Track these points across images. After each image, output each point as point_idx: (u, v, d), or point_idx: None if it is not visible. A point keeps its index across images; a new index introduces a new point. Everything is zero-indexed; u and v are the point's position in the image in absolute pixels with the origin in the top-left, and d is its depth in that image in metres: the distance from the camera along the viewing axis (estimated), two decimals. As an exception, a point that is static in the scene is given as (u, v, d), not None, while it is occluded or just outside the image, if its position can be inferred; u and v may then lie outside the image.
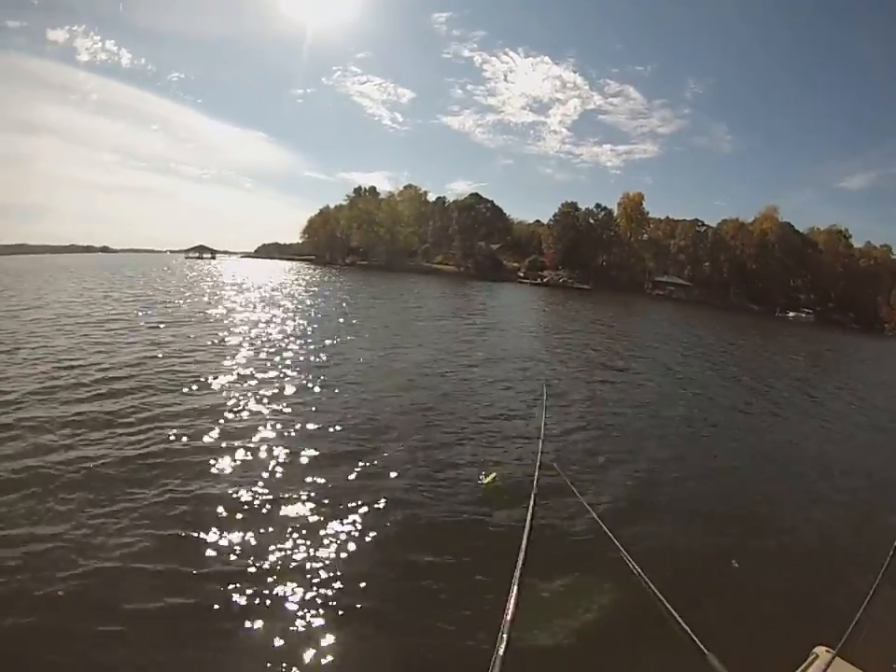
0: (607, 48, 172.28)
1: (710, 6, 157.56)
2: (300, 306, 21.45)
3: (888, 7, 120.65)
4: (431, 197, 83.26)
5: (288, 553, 3.90)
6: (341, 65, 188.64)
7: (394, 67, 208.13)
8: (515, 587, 1.55)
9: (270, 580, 3.59)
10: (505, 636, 1.34)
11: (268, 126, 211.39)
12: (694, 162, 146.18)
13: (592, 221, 71.88)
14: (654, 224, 73.97)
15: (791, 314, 67.27)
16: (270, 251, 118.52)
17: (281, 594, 3.47)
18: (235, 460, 5.34)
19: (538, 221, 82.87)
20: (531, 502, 2.55)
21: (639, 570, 1.93)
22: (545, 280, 67.09)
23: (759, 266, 70.91)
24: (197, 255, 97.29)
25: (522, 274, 70.14)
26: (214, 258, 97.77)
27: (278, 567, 3.73)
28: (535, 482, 2.36)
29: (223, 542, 3.98)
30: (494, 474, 5.16)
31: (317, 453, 5.59)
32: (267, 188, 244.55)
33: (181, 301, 20.16)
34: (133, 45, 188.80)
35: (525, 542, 1.68)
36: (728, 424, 9.00)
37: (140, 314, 15.52)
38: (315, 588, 3.54)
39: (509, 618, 1.40)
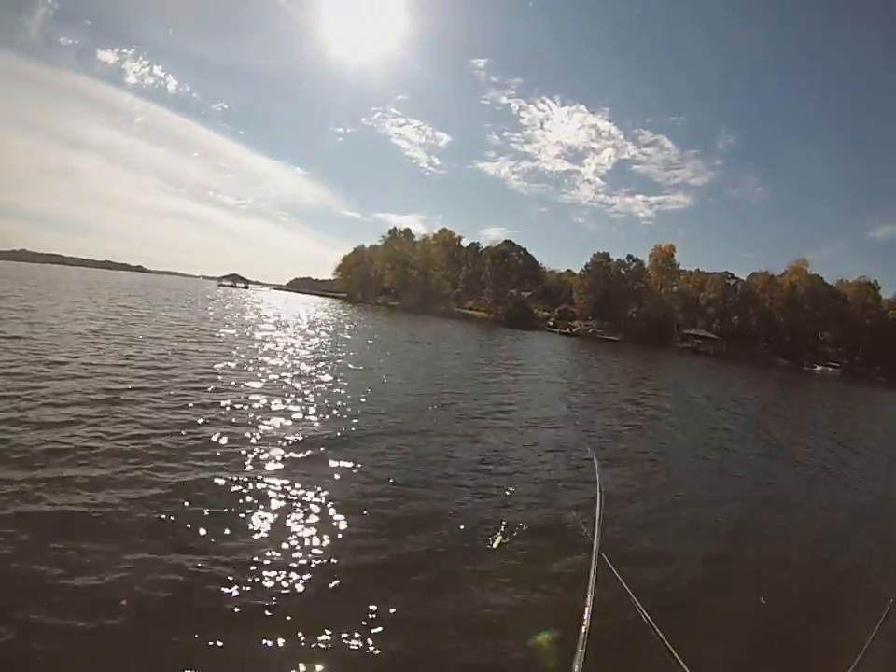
0: (641, 97, 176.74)
1: (743, 56, 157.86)
2: (346, 346, 21.23)
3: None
4: (464, 242, 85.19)
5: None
6: (381, 106, 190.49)
7: (432, 111, 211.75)
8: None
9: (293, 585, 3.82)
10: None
11: (307, 162, 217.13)
12: (725, 214, 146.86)
13: (623, 272, 73.04)
14: (685, 276, 74.96)
15: (819, 367, 67.78)
16: (301, 285, 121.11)
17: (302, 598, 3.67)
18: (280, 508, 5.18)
19: (569, 270, 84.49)
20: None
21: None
22: (574, 330, 68.38)
23: (787, 319, 71.49)
24: (230, 283, 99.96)
25: (551, 324, 71.41)
26: (247, 287, 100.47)
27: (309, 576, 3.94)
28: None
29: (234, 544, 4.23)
30: (500, 537, 5.09)
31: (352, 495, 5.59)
32: (302, 223, 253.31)
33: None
34: (179, 72, 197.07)
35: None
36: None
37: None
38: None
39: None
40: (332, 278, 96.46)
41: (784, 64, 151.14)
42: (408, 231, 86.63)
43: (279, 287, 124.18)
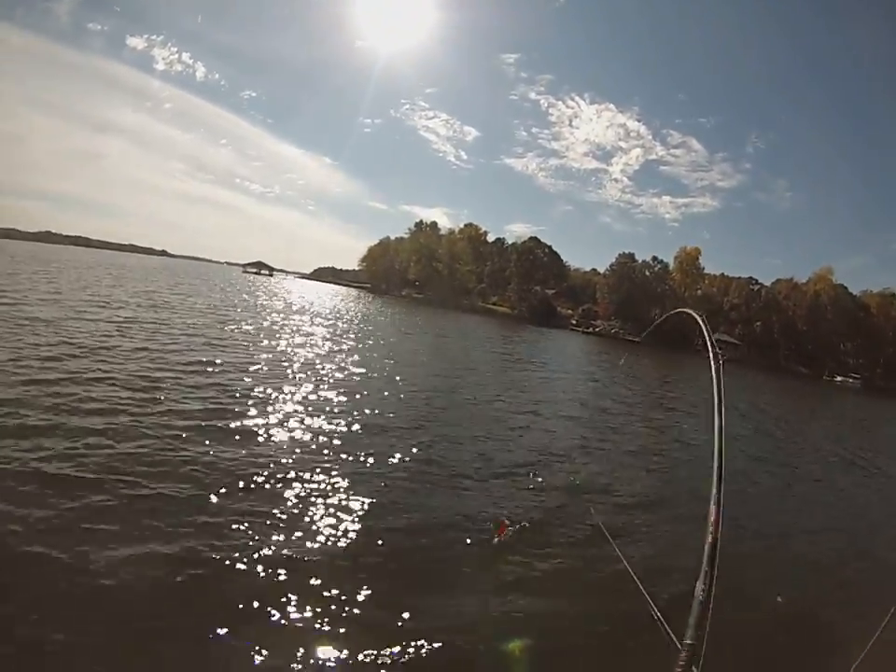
0: (671, 98, 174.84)
1: (777, 60, 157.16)
2: (379, 339, 21.99)
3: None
4: (490, 237, 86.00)
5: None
6: (409, 99, 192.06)
7: (461, 105, 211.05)
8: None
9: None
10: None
11: (334, 152, 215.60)
12: (752, 218, 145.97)
13: (647, 273, 73.36)
14: (709, 280, 75.15)
15: (839, 378, 67.49)
16: (325, 275, 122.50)
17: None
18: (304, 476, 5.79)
19: (594, 270, 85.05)
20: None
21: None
22: (597, 329, 68.98)
23: (809, 328, 71.43)
24: (255, 270, 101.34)
25: (574, 322, 71.94)
26: (272, 275, 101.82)
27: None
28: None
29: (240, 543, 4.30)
30: (502, 525, 5.22)
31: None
32: (328, 212, 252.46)
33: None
34: (208, 59, 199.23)
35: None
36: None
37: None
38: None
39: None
40: (356, 268, 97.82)
41: (817, 70, 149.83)
42: (434, 224, 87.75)
43: (303, 276, 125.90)
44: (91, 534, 4.07)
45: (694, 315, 2.64)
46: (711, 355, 2.02)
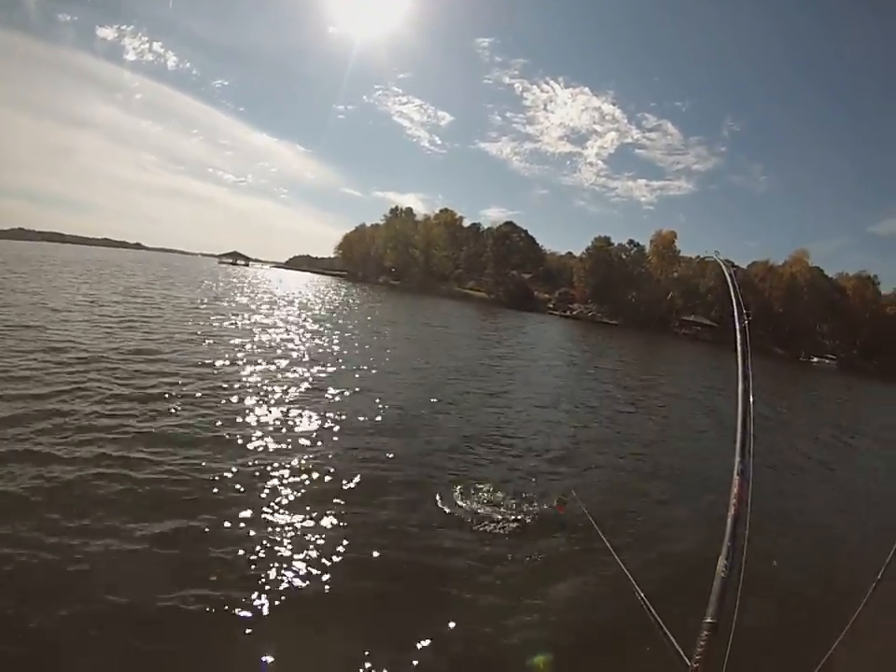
0: (646, 81, 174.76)
1: (751, 43, 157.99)
2: (362, 330, 21.44)
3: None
4: (466, 222, 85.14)
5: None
6: (383, 84, 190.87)
7: (435, 90, 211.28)
8: None
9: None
10: None
11: (308, 140, 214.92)
12: (728, 202, 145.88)
13: (624, 257, 73.09)
14: (685, 263, 74.97)
15: (815, 359, 67.88)
16: (301, 263, 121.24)
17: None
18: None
19: (569, 253, 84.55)
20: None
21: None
22: (574, 313, 68.52)
23: (786, 310, 71.66)
24: (231, 261, 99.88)
25: (551, 306, 71.55)
26: (247, 265, 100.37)
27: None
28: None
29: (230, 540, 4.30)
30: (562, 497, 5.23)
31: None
32: (302, 200, 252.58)
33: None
34: (179, 48, 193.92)
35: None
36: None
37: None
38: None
39: None
40: (332, 256, 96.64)
41: (792, 53, 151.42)
42: (409, 210, 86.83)
43: (279, 265, 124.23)
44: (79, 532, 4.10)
45: (723, 266, 2.64)
46: (736, 314, 1.96)
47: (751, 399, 1.61)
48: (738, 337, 1.84)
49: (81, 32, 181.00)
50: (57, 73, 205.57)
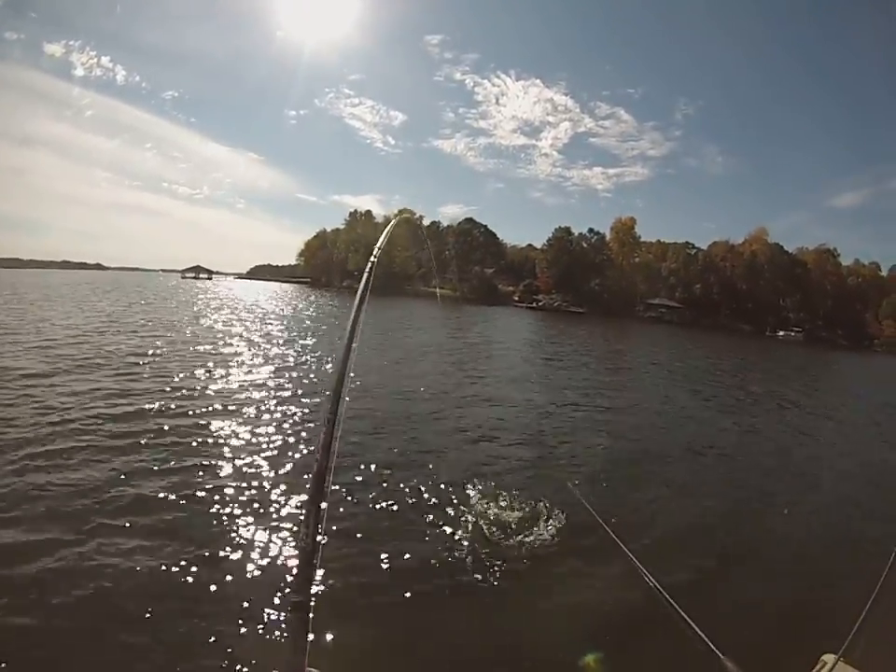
0: (597, 70, 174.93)
1: (697, 27, 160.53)
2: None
3: (878, 27, 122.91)
4: (425, 221, 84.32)
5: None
6: (334, 87, 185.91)
7: (386, 90, 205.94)
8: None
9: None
10: None
11: (261, 147, 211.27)
12: (685, 185, 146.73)
13: (585, 245, 73.10)
14: (646, 247, 75.29)
15: (781, 333, 68.59)
16: (263, 272, 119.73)
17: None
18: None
19: (530, 245, 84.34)
20: None
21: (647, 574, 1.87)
22: (540, 304, 68.23)
23: (749, 287, 72.35)
24: (193, 275, 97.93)
25: (517, 298, 71.25)
26: (210, 278, 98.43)
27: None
28: None
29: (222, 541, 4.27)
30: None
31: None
32: (259, 208, 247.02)
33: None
34: (128, 61, 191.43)
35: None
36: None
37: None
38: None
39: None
40: (294, 263, 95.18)
41: (739, 34, 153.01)
42: (369, 212, 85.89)
43: (240, 276, 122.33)
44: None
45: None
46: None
47: (354, 344, 1.36)
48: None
49: (28, 49, 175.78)
50: (4, 91, 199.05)
